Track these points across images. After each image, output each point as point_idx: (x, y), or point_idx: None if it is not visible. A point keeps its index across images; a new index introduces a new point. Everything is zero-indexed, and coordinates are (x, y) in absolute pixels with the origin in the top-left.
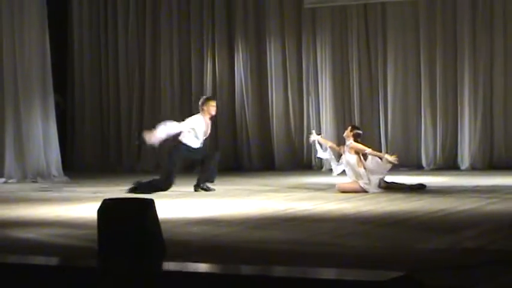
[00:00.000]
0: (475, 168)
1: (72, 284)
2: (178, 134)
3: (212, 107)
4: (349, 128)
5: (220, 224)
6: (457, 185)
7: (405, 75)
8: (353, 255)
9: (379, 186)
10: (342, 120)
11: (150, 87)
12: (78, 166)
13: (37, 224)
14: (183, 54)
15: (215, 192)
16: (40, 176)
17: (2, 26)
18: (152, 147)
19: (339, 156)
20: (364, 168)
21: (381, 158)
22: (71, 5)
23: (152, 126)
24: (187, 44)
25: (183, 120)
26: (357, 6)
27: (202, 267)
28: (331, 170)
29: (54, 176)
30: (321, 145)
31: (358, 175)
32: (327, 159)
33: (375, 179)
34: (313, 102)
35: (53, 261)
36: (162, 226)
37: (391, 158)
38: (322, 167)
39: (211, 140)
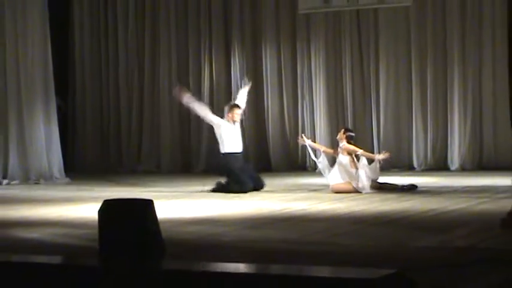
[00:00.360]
0: (465, 169)
1: (74, 283)
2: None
3: (236, 114)
4: (342, 130)
5: (218, 224)
6: (447, 186)
7: (397, 80)
8: (346, 254)
9: (372, 187)
10: (336, 123)
11: (149, 90)
12: (79, 167)
13: (40, 224)
14: (181, 59)
15: (212, 192)
16: (42, 177)
17: (5, 31)
18: (180, 102)
19: (333, 160)
20: (357, 169)
21: (373, 159)
22: (72, 10)
23: (151, 128)
24: (186, 48)
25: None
26: (350, 13)
27: (200, 266)
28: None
29: (56, 177)
30: (315, 151)
31: (351, 176)
32: (320, 163)
33: (367, 180)
34: (308, 106)
35: (56, 260)
36: (161, 226)
37: (383, 156)
38: (316, 169)
39: (209, 140)
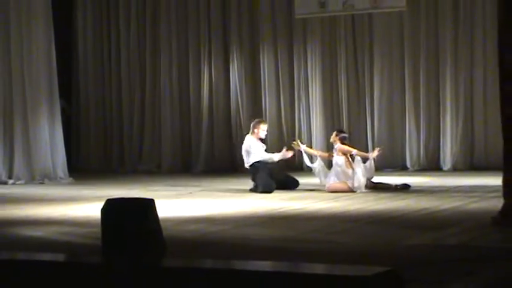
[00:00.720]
0: (457, 169)
1: (77, 280)
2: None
3: (262, 131)
4: (334, 133)
5: (217, 222)
6: (439, 185)
7: (390, 82)
8: (342, 252)
9: (366, 186)
10: (331, 124)
11: (151, 93)
12: (82, 168)
13: (44, 223)
14: (182, 63)
15: (211, 192)
16: (47, 177)
17: (10, 35)
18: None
19: (329, 163)
20: (353, 168)
21: (367, 158)
22: (75, 15)
23: (152, 129)
24: (186, 53)
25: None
26: (345, 17)
27: (200, 262)
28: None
29: (60, 177)
30: (310, 156)
31: (347, 176)
32: (315, 169)
33: (363, 179)
34: (304, 108)
35: (60, 257)
36: (162, 224)
37: (376, 153)
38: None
39: (209, 143)
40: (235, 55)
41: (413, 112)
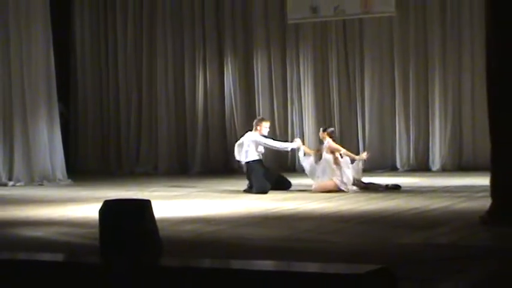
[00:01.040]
0: (446, 170)
1: (76, 279)
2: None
3: (265, 128)
4: (321, 130)
5: (212, 222)
6: (429, 185)
7: (381, 86)
8: (334, 251)
9: (357, 186)
10: (323, 126)
11: (147, 96)
12: (81, 170)
13: (44, 224)
14: (177, 67)
15: (206, 193)
16: (46, 179)
17: (10, 41)
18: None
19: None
20: (339, 165)
21: (354, 159)
22: (73, 20)
23: (149, 132)
24: (181, 57)
25: None
26: (337, 23)
27: (197, 262)
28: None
29: (59, 179)
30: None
31: (333, 172)
32: (306, 169)
33: (350, 177)
34: (297, 111)
35: (59, 257)
36: (159, 225)
37: (364, 156)
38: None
39: (204, 145)
40: (229, 59)
41: (403, 115)
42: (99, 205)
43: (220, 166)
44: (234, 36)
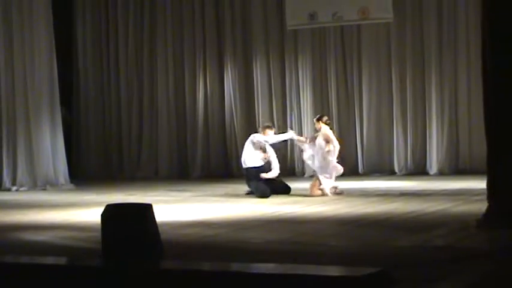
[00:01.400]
0: (443, 173)
1: (78, 282)
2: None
3: (268, 135)
4: (315, 120)
5: (213, 226)
6: (426, 189)
7: (378, 90)
8: (333, 253)
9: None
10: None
11: (148, 101)
12: (83, 175)
13: (47, 228)
14: (178, 73)
15: (207, 197)
16: (49, 184)
17: (13, 49)
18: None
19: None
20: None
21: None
22: (75, 27)
23: (150, 137)
24: (182, 63)
25: None
26: (335, 29)
27: (197, 265)
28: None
29: (61, 183)
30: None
31: (325, 160)
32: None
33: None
34: (296, 115)
35: (61, 261)
36: (160, 228)
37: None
38: (304, 174)
39: (204, 150)
40: (229, 65)
41: (400, 119)
42: (101, 209)
43: (220, 170)
44: (233, 42)
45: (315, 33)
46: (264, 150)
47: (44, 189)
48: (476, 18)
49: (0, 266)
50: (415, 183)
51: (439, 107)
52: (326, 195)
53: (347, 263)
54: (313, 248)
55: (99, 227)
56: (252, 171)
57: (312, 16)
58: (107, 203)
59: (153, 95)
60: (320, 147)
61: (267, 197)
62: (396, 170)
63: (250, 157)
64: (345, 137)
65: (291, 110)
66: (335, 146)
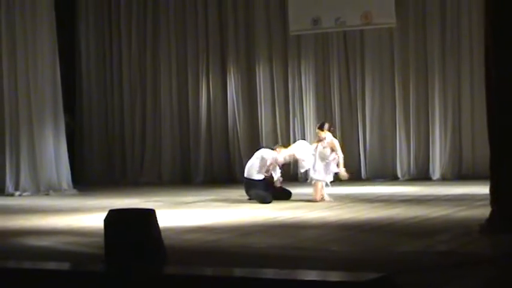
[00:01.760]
0: (446, 178)
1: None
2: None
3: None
4: (318, 128)
5: (215, 231)
6: (429, 194)
7: (381, 96)
8: (336, 259)
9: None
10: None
11: (151, 107)
12: (86, 180)
13: (50, 233)
14: (181, 77)
15: (209, 202)
16: (52, 189)
17: (16, 52)
18: None
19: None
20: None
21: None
22: (78, 34)
23: (153, 142)
24: (185, 68)
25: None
26: (338, 34)
27: (200, 270)
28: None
29: (64, 189)
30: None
31: (326, 166)
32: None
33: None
34: (298, 120)
35: (64, 266)
36: (163, 234)
37: (345, 175)
38: (307, 179)
39: (207, 155)
40: (232, 70)
41: (403, 124)
42: (104, 214)
43: (223, 175)
44: (236, 47)
45: (318, 38)
46: (267, 171)
47: (47, 194)
48: (480, 23)
49: (3, 271)
50: (418, 189)
51: (442, 112)
52: (329, 200)
53: (349, 269)
54: (315, 254)
55: (102, 232)
56: (252, 182)
57: (315, 21)
58: (110, 208)
59: (156, 99)
60: (324, 154)
61: (268, 202)
62: (399, 175)
63: (254, 169)
64: (348, 142)
65: (294, 115)
66: (339, 156)
